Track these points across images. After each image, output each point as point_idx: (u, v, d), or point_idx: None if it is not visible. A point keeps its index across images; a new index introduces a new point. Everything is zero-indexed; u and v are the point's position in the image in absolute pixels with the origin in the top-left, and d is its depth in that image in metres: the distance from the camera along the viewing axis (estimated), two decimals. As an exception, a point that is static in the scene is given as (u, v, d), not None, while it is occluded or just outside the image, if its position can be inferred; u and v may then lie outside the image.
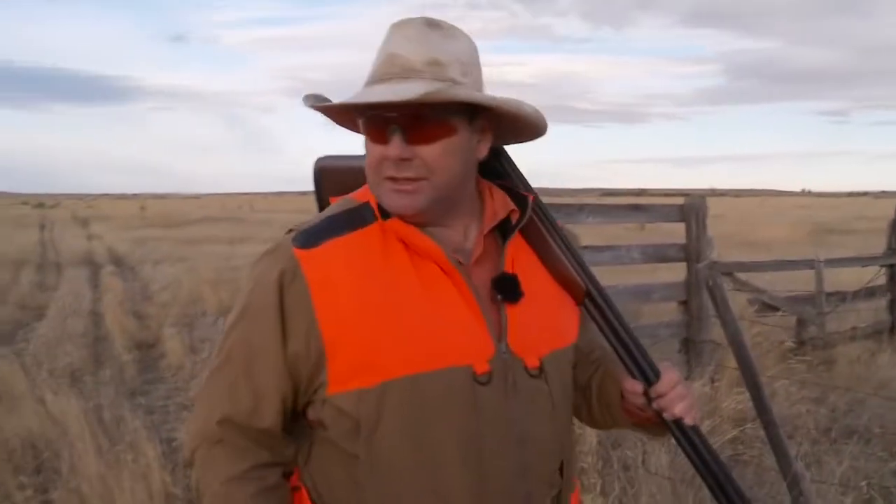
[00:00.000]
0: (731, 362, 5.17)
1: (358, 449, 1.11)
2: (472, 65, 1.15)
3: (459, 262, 1.15)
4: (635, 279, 6.17)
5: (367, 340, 1.09)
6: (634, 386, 1.20)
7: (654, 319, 6.24)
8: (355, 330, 1.09)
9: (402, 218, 1.13)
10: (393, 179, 1.10)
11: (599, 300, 1.24)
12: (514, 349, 1.15)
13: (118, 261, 15.62)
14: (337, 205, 1.21)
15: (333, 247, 1.12)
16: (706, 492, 3.32)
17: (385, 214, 1.14)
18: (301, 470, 1.19)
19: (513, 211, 1.21)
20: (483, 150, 1.18)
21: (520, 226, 1.21)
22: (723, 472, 1.22)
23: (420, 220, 1.14)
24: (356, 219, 1.16)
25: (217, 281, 10.39)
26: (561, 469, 1.22)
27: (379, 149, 1.10)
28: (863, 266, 7.42)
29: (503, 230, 1.22)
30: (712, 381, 4.99)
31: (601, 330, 1.25)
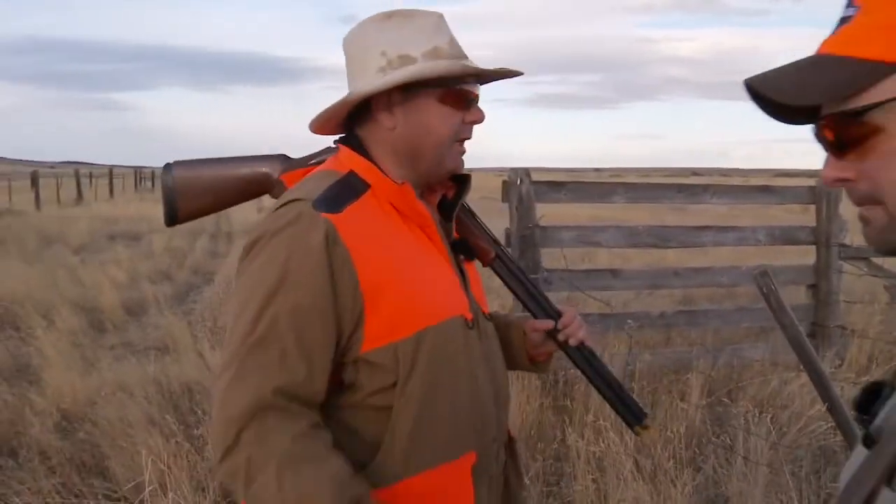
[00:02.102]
0: (858, 349, 5.02)
1: (391, 400, 1.19)
2: None
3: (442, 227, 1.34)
4: (761, 260, 6.03)
5: (402, 296, 1.19)
6: (545, 324, 1.43)
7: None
8: (390, 286, 1.18)
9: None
10: (463, 142, 1.29)
11: (507, 260, 1.46)
12: (476, 299, 1.36)
13: (282, 232, 16.60)
14: (318, 176, 1.28)
15: (353, 212, 1.20)
16: (789, 478, 3.32)
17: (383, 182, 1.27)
18: None
19: (449, 186, 1.39)
20: None
21: (462, 199, 1.38)
22: (616, 384, 1.48)
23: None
24: (354, 187, 1.24)
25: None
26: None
27: (459, 115, 1.26)
28: None
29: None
30: (841, 366, 4.89)
31: (508, 284, 1.47)
